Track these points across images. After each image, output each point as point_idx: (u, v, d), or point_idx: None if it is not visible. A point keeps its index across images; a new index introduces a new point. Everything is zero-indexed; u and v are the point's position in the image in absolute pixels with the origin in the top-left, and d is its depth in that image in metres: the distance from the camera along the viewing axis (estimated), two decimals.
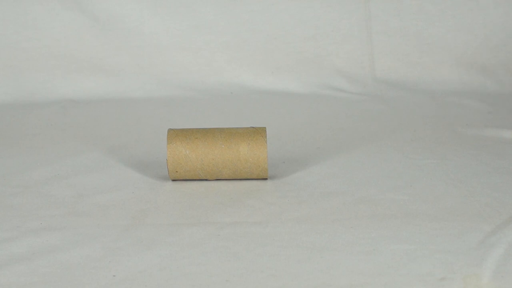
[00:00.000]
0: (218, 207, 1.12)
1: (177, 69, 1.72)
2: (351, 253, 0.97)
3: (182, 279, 0.92)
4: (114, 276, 0.93)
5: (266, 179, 1.22)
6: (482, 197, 1.14)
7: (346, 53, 1.74)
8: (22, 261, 0.96)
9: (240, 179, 1.22)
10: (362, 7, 1.74)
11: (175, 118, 1.56)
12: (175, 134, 1.19)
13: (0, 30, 1.70)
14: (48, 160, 1.32)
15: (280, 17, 1.75)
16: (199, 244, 1.01)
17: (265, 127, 1.21)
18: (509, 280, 0.90)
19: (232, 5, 1.74)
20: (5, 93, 1.66)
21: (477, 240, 1.00)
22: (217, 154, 1.18)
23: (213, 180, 1.21)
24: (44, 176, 1.25)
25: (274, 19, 1.75)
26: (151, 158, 1.31)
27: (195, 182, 1.21)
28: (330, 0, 1.75)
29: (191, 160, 1.18)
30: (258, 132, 1.19)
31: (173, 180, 1.22)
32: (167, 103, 1.64)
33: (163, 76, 1.72)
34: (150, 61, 1.73)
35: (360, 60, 1.74)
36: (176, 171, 1.19)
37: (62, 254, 0.98)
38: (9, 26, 1.70)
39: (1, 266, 0.95)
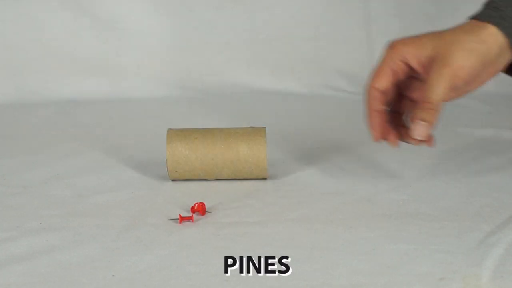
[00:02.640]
0: (218, 207, 1.12)
1: (177, 69, 1.72)
2: (351, 253, 0.97)
3: (182, 279, 0.92)
4: (113, 276, 0.93)
5: (266, 179, 1.22)
6: (482, 197, 1.14)
7: (346, 53, 1.74)
8: (22, 261, 0.96)
9: (240, 179, 1.22)
10: (362, 7, 1.74)
11: (175, 118, 1.56)
12: (175, 134, 1.19)
13: (0, 30, 1.70)
14: (48, 160, 1.32)
15: (280, 17, 1.75)
16: (199, 244, 1.01)
17: (264, 127, 1.20)
18: (509, 280, 0.90)
19: (232, 5, 1.74)
20: (5, 93, 1.66)
21: (476, 240, 1.00)
22: (216, 154, 1.18)
23: (213, 180, 1.21)
24: (44, 176, 1.25)
25: (274, 19, 1.75)
26: (151, 158, 1.31)
27: (195, 182, 1.21)
28: (330, 0, 1.75)
29: (191, 160, 1.18)
30: (257, 132, 1.19)
31: (173, 180, 1.22)
32: (167, 103, 1.64)
33: (163, 76, 1.72)
34: (150, 61, 1.73)
35: (360, 60, 1.74)
36: (176, 171, 1.19)
37: (61, 254, 0.98)
38: (9, 26, 1.70)
39: (1, 266, 0.95)
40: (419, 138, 1.06)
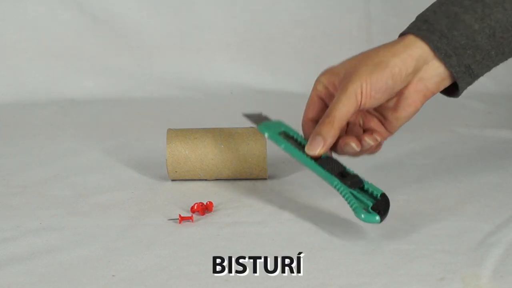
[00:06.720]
0: (218, 207, 1.12)
1: (177, 69, 1.72)
2: (351, 253, 0.97)
3: (182, 279, 0.92)
4: (113, 276, 0.93)
5: (265, 179, 1.22)
6: (482, 197, 1.14)
7: (346, 53, 1.74)
8: (22, 261, 0.96)
9: (240, 179, 1.22)
10: (362, 7, 1.74)
11: (175, 118, 1.56)
12: (175, 134, 1.19)
13: (0, 30, 1.70)
14: (48, 160, 1.32)
15: (280, 17, 1.75)
16: (198, 244, 1.01)
17: None
18: (508, 280, 0.90)
19: (232, 5, 1.74)
20: (5, 93, 1.66)
21: (477, 240, 1.00)
22: (216, 154, 1.18)
23: (212, 180, 1.21)
24: (44, 176, 1.25)
25: (274, 19, 1.75)
26: (151, 158, 1.31)
27: (195, 182, 1.21)
28: (330, 0, 1.75)
29: (191, 160, 1.18)
30: (257, 132, 1.19)
31: (173, 180, 1.22)
32: (167, 103, 1.64)
33: (163, 76, 1.71)
34: (150, 61, 1.73)
35: None
36: (176, 171, 1.19)
37: (61, 254, 0.98)
38: (9, 26, 1.70)
39: (1, 266, 0.95)
40: (311, 153, 1.04)
